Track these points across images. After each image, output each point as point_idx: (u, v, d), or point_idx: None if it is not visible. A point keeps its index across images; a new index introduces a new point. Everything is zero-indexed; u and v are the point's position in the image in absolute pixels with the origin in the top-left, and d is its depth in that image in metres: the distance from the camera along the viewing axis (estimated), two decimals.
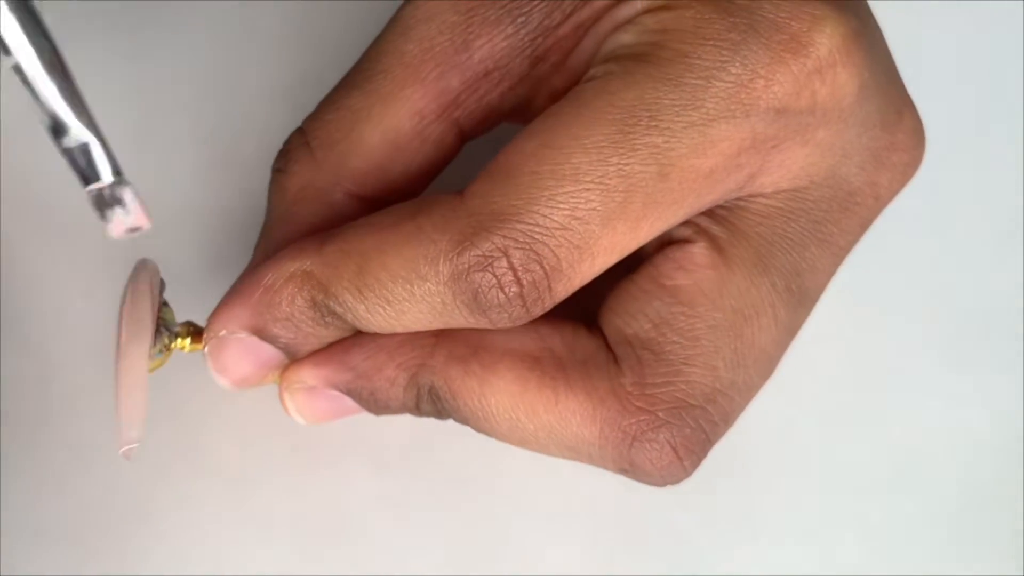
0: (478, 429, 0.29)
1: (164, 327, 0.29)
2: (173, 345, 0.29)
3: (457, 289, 0.27)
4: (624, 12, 0.28)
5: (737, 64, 0.26)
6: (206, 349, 0.29)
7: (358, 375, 0.29)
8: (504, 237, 0.26)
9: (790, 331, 0.29)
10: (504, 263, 0.26)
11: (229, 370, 0.29)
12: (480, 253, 0.26)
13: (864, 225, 0.30)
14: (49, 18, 0.24)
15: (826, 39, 0.27)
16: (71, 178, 0.35)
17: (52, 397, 0.34)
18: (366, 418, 0.30)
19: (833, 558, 0.34)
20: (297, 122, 0.30)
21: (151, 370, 0.28)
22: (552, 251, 0.26)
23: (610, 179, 0.26)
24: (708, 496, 0.34)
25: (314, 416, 0.30)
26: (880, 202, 0.30)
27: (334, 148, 0.29)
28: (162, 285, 0.29)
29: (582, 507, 0.34)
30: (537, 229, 0.26)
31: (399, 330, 0.28)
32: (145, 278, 0.29)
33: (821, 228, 0.29)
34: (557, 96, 0.30)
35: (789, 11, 0.27)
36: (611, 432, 0.28)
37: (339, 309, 0.28)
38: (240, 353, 0.29)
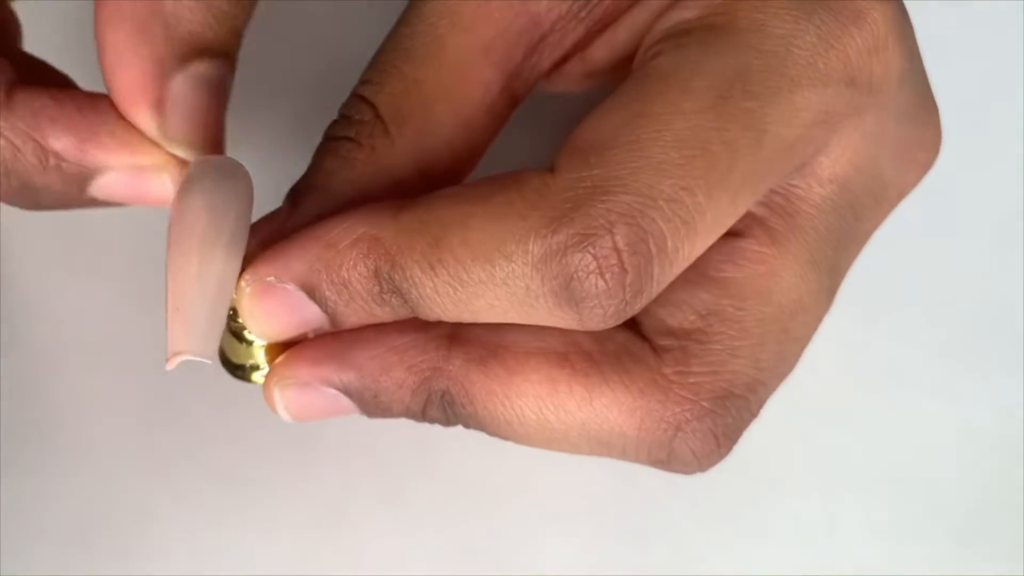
0: (497, 434, 0.28)
1: None
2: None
3: (547, 273, 0.24)
4: None
5: (812, 32, 0.26)
6: (247, 290, 0.27)
7: (362, 375, 0.27)
8: (609, 210, 0.24)
9: (820, 323, 0.29)
10: (608, 242, 0.24)
11: (263, 319, 0.27)
12: (578, 231, 0.24)
13: (883, 220, 0.30)
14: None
15: (883, 17, 0.27)
16: None
17: (52, 397, 0.34)
18: (367, 419, 0.30)
19: (833, 558, 0.34)
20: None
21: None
22: (661, 227, 0.24)
23: (714, 145, 0.25)
24: (708, 495, 0.34)
25: (304, 414, 0.28)
26: (900, 198, 0.30)
27: (407, 124, 0.27)
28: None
29: (582, 505, 0.34)
30: (645, 201, 0.24)
31: (465, 318, 0.26)
32: (239, 187, 0.27)
33: (859, 223, 0.29)
34: (595, 67, 0.30)
35: None
36: (652, 423, 0.27)
37: (404, 285, 0.26)
38: (282, 305, 0.27)
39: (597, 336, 0.27)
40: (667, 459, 0.28)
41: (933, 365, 0.36)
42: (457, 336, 0.28)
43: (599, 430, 0.27)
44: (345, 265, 0.26)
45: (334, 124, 0.28)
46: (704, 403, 0.27)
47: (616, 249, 0.24)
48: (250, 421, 0.34)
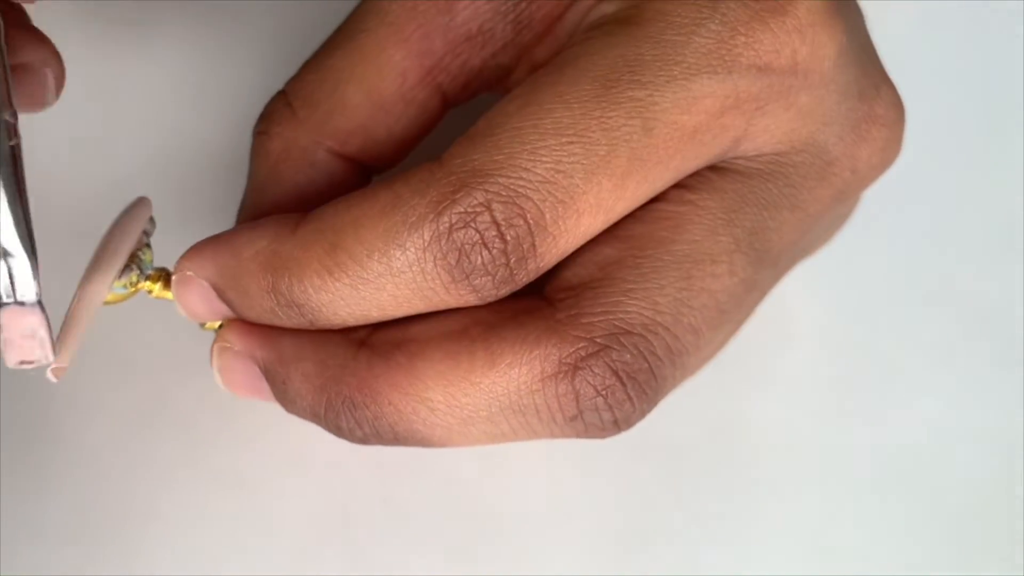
0: (409, 435, 0.28)
1: (137, 265, 0.29)
2: (141, 285, 0.29)
3: (438, 252, 0.26)
4: None
5: (716, 21, 0.27)
6: (174, 278, 0.29)
7: (279, 358, 0.29)
8: (486, 192, 0.26)
9: (750, 287, 0.29)
10: (487, 217, 0.26)
11: (186, 305, 0.29)
12: (462, 210, 0.26)
13: (838, 197, 0.30)
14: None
15: (805, 1, 0.27)
16: (69, 179, 0.34)
17: (52, 397, 0.34)
18: None
19: (833, 558, 0.34)
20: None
21: (108, 302, 0.28)
22: (535, 204, 0.26)
23: (592, 132, 0.26)
24: (708, 496, 0.34)
25: (231, 382, 0.29)
26: (858, 176, 0.30)
27: (317, 108, 0.29)
28: (151, 225, 0.29)
29: (582, 507, 0.34)
30: (519, 182, 0.26)
31: (373, 316, 0.27)
32: (134, 214, 0.29)
33: (796, 193, 0.29)
34: (538, 68, 0.30)
35: None
36: (552, 367, 0.27)
37: (303, 296, 0.27)
38: (198, 297, 0.29)
39: (496, 307, 0.28)
40: (579, 412, 0.27)
41: (933, 365, 0.36)
42: (367, 339, 0.28)
43: (508, 393, 0.27)
44: (245, 275, 0.28)
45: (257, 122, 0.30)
46: (598, 339, 0.27)
47: (495, 223, 0.26)
48: (250, 422, 0.34)
